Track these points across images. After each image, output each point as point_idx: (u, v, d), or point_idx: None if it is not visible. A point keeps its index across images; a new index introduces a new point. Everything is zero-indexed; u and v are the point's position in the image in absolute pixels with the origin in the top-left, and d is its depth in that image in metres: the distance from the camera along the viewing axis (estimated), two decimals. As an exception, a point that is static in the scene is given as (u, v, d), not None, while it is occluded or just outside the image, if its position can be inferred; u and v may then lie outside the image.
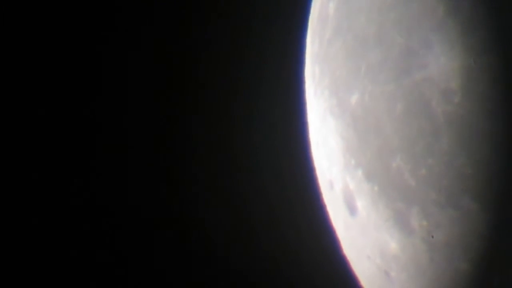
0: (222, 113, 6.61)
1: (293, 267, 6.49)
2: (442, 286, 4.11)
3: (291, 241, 6.47)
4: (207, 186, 6.63)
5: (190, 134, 6.69)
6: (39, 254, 6.47)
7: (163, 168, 6.67)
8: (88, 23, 6.55)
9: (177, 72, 6.74)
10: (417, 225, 4.05)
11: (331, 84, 4.54)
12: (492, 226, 3.86)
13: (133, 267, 6.69)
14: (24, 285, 6.40)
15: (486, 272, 3.96)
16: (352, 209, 4.51)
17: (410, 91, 3.93)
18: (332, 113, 4.54)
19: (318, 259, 6.16)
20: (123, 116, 6.66)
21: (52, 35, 6.49)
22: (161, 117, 6.70)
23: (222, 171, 6.62)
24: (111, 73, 6.64)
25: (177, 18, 6.71)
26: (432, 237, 4.04)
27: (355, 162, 4.35)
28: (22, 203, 6.45)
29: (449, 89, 3.80)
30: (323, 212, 5.01)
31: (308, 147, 5.08)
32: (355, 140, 4.32)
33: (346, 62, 4.37)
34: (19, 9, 6.39)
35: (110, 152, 6.63)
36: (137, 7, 6.65)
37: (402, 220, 4.12)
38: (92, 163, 6.61)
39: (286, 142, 6.33)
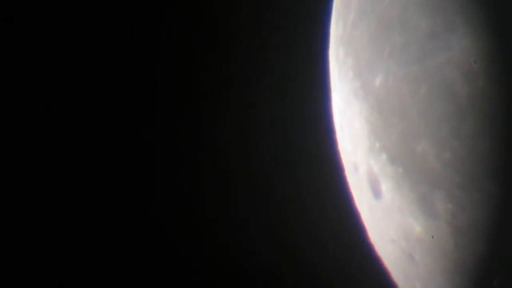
0: (246, 96, 6.62)
1: (317, 250, 6.50)
2: (466, 269, 4.09)
3: (314, 224, 6.48)
4: (231, 172, 6.65)
5: (215, 116, 6.71)
6: (40, 255, 6.52)
7: (185, 155, 6.70)
8: (101, 23, 6.57)
9: (202, 57, 6.76)
10: (441, 208, 4.03)
11: (355, 66, 4.52)
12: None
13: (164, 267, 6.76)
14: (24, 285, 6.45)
15: (510, 256, 3.94)
16: (376, 192, 4.50)
17: (434, 73, 3.90)
18: (356, 95, 4.52)
19: (343, 242, 6.17)
20: (146, 115, 6.69)
21: (55, 35, 6.52)
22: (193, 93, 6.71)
23: (247, 155, 6.64)
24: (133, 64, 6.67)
25: (201, 4, 6.72)
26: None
27: (379, 145, 4.34)
28: (22, 204, 6.51)
29: (473, 71, 3.76)
30: (347, 195, 5.00)
31: (332, 130, 5.07)
32: (379, 123, 4.30)
33: (370, 44, 4.35)
34: (21, 7, 6.41)
35: (134, 156, 6.67)
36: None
37: (427, 204, 4.10)
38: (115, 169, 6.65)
39: (310, 125, 6.32)
